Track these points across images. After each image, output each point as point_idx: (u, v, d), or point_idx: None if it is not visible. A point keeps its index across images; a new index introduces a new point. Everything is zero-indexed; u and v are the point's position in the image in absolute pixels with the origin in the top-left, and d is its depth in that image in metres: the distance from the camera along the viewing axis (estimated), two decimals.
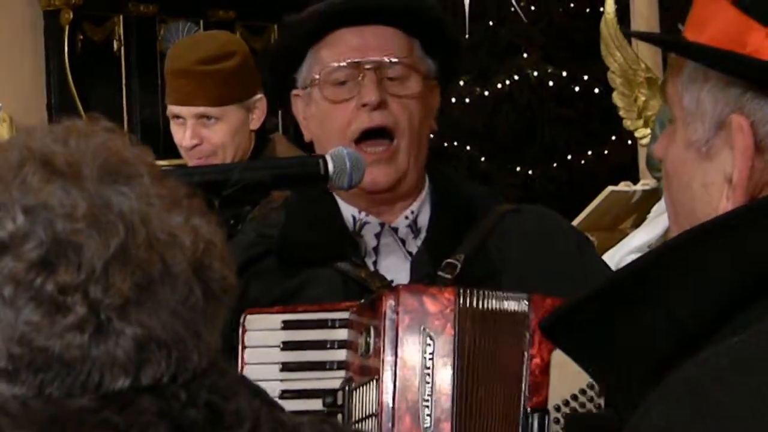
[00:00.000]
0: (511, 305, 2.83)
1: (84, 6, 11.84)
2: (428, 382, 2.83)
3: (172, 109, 4.45)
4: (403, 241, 3.13)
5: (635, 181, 8.89)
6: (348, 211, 3.16)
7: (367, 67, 3.04)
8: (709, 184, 1.69)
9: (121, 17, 12.17)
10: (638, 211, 7.56)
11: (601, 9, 8.33)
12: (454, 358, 2.84)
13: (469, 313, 2.84)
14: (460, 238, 3.06)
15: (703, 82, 1.70)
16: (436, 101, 3.16)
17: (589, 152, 10.61)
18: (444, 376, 2.83)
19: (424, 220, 3.13)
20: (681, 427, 1.53)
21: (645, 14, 8.67)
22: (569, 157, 10.69)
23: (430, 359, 2.83)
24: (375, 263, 3.11)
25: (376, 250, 3.13)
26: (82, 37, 11.84)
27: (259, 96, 4.46)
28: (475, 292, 2.86)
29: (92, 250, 1.64)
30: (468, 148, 10.89)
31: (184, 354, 1.68)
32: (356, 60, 3.05)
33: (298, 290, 3.06)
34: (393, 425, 2.81)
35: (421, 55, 3.11)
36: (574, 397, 2.75)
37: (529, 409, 2.77)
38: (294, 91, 3.18)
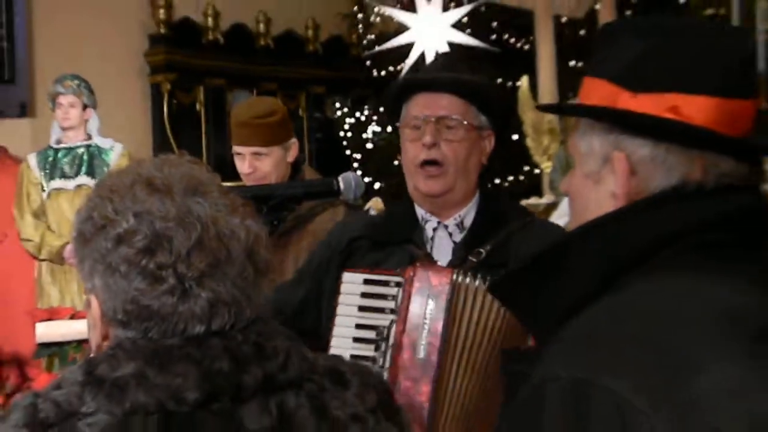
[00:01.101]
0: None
1: (177, 80, 11.85)
2: (425, 329, 2.88)
3: (236, 148, 4.45)
4: (451, 235, 3.12)
5: (540, 196, 8.90)
6: (419, 212, 3.17)
7: (429, 120, 3.06)
8: (601, 200, 1.69)
9: (202, 88, 12.15)
10: (543, 216, 7.55)
11: (518, 84, 8.33)
12: (445, 315, 2.87)
13: (462, 287, 2.87)
14: (491, 236, 3.06)
15: (592, 132, 1.70)
16: (489, 144, 3.15)
17: (510, 178, 10.58)
18: (437, 327, 2.87)
19: (468, 222, 3.12)
20: (570, 347, 1.53)
21: (548, 87, 8.64)
22: (497, 181, 10.67)
23: (429, 314, 2.89)
24: (431, 247, 3.12)
25: (432, 239, 3.13)
26: (176, 101, 11.84)
27: (293, 140, 4.48)
28: (468, 274, 2.90)
29: (179, 241, 1.66)
30: None
31: (240, 310, 1.70)
32: (426, 114, 3.07)
33: (380, 261, 3.09)
34: (399, 353, 2.88)
35: (476, 113, 3.09)
36: None
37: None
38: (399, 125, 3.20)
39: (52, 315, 7.09)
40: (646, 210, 1.64)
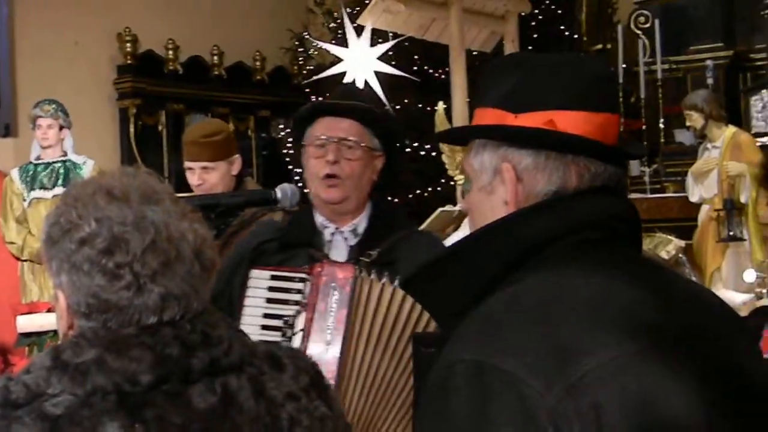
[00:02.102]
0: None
1: (142, 105, 11.86)
2: (331, 317, 2.89)
3: (187, 164, 4.50)
4: (346, 239, 3.16)
5: (455, 204, 8.94)
6: (318, 219, 3.19)
7: (333, 140, 3.10)
8: (495, 208, 1.69)
9: (164, 111, 12.14)
10: (457, 221, 7.59)
11: (437, 108, 8.36)
12: (349, 305, 2.89)
13: (363, 281, 2.90)
14: (381, 241, 3.09)
15: (484, 149, 1.71)
16: (380, 163, 3.19)
17: (429, 189, 10.63)
18: (342, 315, 2.89)
19: (361, 229, 3.16)
20: (472, 333, 1.52)
21: (461, 111, 8.67)
22: (418, 191, 10.71)
23: (335, 304, 2.90)
24: (329, 250, 3.14)
25: (330, 243, 3.16)
26: (141, 123, 11.84)
27: (237, 156, 4.51)
28: (368, 270, 2.93)
29: (135, 243, 1.64)
30: None
31: (189, 303, 1.68)
32: (329, 135, 3.11)
33: (285, 261, 3.10)
34: (308, 339, 2.89)
35: (371, 136, 3.15)
36: None
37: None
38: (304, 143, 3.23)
39: (32, 309, 7.07)
40: (532, 213, 1.65)
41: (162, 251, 1.65)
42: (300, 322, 2.92)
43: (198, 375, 1.65)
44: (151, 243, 1.65)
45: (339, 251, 3.14)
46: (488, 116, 1.71)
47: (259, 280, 3.00)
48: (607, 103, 1.70)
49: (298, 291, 2.95)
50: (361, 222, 3.16)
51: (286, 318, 2.94)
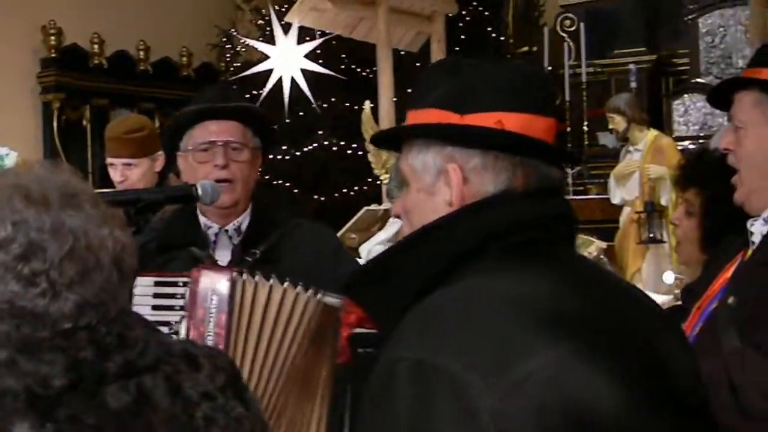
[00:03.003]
0: (335, 302, 2.85)
1: (66, 99, 11.78)
2: (211, 322, 2.85)
3: (109, 160, 4.47)
4: (231, 238, 3.14)
5: (380, 203, 8.95)
6: (202, 219, 3.18)
7: (219, 144, 3.07)
8: (437, 209, 1.68)
9: (88, 106, 12.04)
10: (381, 220, 7.59)
11: (363, 107, 8.36)
12: (227, 308, 2.85)
13: (241, 283, 2.85)
14: (263, 239, 3.08)
15: (427, 150, 1.69)
16: (260, 162, 3.19)
17: (356, 188, 10.62)
18: (221, 319, 2.85)
19: (244, 227, 3.15)
20: (413, 332, 1.53)
21: (387, 110, 8.69)
22: (344, 190, 10.71)
23: (214, 308, 2.85)
24: (213, 250, 3.13)
25: (215, 242, 3.14)
26: (64, 117, 11.74)
27: (160, 152, 4.47)
28: (246, 273, 2.88)
29: (53, 251, 1.61)
30: (287, 184, 10.83)
31: (106, 309, 1.66)
32: (213, 139, 3.08)
33: (167, 262, 3.08)
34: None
35: (251, 136, 3.13)
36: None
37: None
38: (178, 153, 3.19)
39: None
40: (475, 212, 1.64)
41: (80, 259, 1.62)
42: (183, 328, 2.88)
43: (113, 377, 1.63)
44: (69, 251, 1.61)
45: (224, 251, 3.13)
46: (431, 117, 1.69)
47: (144, 287, 2.94)
48: (549, 107, 1.71)
49: (183, 296, 2.91)
50: (244, 220, 3.15)
51: (172, 324, 2.89)
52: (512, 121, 1.65)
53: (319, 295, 2.83)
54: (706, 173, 3.15)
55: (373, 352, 1.56)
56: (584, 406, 1.45)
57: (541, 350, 1.46)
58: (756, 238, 2.50)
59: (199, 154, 3.11)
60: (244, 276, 2.86)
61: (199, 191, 3.11)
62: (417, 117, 1.73)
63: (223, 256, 3.09)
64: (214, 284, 2.87)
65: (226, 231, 3.14)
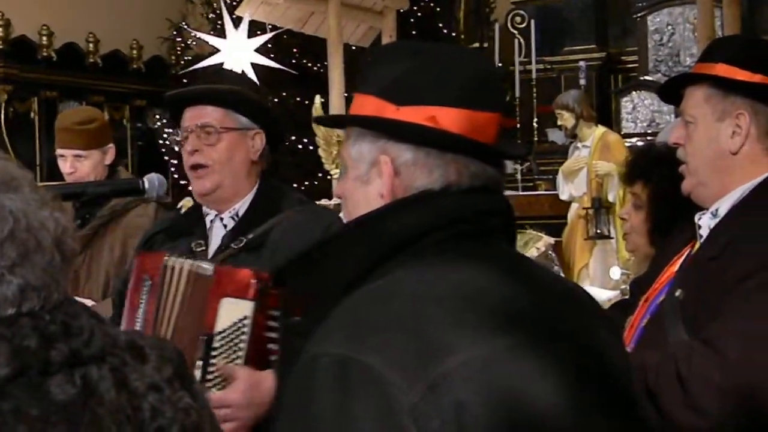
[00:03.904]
0: (202, 270, 2.84)
1: (14, 91, 11.64)
2: (141, 308, 2.88)
3: (59, 151, 4.42)
4: (226, 226, 3.07)
5: (330, 198, 8.96)
6: (204, 207, 3.13)
7: (191, 130, 3.03)
8: (370, 199, 1.68)
9: (36, 99, 11.92)
10: None
11: (314, 102, 8.36)
12: (157, 294, 2.87)
13: (170, 270, 2.86)
14: (257, 226, 3.01)
15: (362, 140, 1.69)
16: (260, 141, 3.09)
17: (306, 183, 10.61)
18: (151, 306, 2.88)
19: (242, 213, 3.08)
20: (339, 327, 1.52)
21: (338, 105, 8.69)
22: (295, 185, 10.67)
23: (145, 293, 2.89)
24: (209, 237, 3.08)
25: (210, 229, 3.09)
26: (12, 110, 11.61)
27: (110, 145, 4.44)
28: (177, 258, 2.89)
29: None
30: None
31: (49, 294, 1.63)
32: (188, 125, 3.05)
33: (169, 252, 3.04)
34: (127, 324, 2.89)
35: (234, 116, 3.05)
36: (228, 328, 2.76)
37: (204, 335, 2.78)
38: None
39: None
40: (407, 206, 1.64)
41: (21, 241, 1.59)
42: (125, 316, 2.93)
43: (58, 367, 1.61)
44: (10, 233, 1.58)
45: (216, 239, 3.08)
46: (369, 104, 1.69)
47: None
48: (490, 102, 1.69)
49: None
50: (242, 206, 3.08)
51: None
52: (448, 117, 1.65)
53: (190, 263, 2.86)
54: (651, 166, 3.19)
55: (303, 342, 1.56)
56: (514, 403, 1.45)
57: (466, 347, 1.46)
58: (704, 232, 2.52)
59: (184, 142, 3.08)
60: (177, 262, 2.86)
61: (146, 184, 3.09)
62: (358, 102, 1.73)
63: (215, 244, 3.06)
64: (147, 271, 2.89)
65: (221, 218, 3.08)
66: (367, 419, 1.42)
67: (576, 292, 1.76)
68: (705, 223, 2.53)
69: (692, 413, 2.24)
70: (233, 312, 2.75)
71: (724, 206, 2.51)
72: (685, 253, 2.59)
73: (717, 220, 2.50)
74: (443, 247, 1.62)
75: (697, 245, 2.54)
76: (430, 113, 1.64)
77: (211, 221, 3.10)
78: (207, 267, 2.83)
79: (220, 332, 2.75)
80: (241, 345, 2.75)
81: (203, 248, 3.04)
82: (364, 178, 1.70)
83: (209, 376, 2.74)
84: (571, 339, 1.60)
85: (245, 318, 2.74)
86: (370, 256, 1.63)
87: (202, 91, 3.10)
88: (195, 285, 2.84)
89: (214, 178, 3.03)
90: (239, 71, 8.62)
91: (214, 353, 2.76)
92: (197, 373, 2.71)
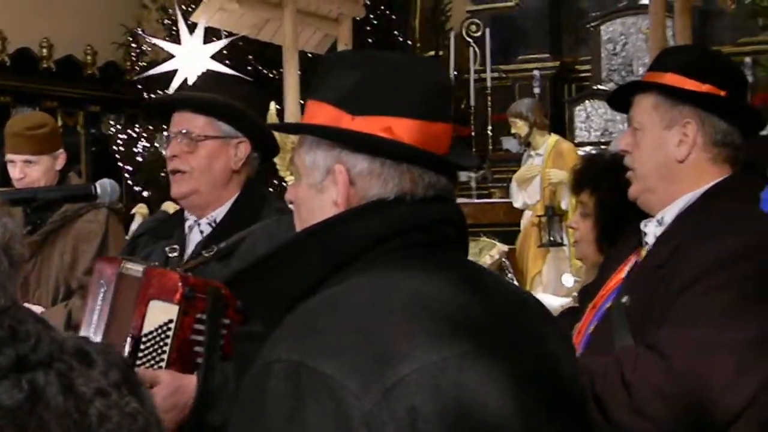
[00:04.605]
0: (133, 272, 2.85)
1: None
2: (95, 314, 2.86)
3: (9, 156, 4.39)
4: (203, 232, 3.09)
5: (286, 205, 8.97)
6: (185, 212, 3.15)
7: (172, 135, 3.05)
8: (324, 207, 1.68)
9: None
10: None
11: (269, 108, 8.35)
12: (109, 298, 2.86)
13: (126, 277, 2.86)
14: (231, 234, 3.02)
15: (317, 148, 1.69)
16: (244, 150, 3.09)
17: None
18: (104, 311, 2.86)
19: (219, 220, 3.09)
20: (293, 333, 1.52)
21: (293, 112, 8.67)
22: None
23: (100, 301, 2.87)
24: (186, 242, 3.10)
25: (188, 234, 3.11)
26: None
27: (61, 150, 4.41)
28: (126, 263, 2.88)
29: None
30: None
31: None
32: (172, 130, 3.07)
33: (148, 256, 3.09)
34: (77, 329, 2.91)
35: (216, 125, 3.06)
36: (154, 331, 2.77)
37: (131, 337, 2.78)
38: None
39: None
40: (361, 215, 1.65)
41: None
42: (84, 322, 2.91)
43: (5, 372, 1.60)
44: None
45: (192, 245, 3.09)
46: (324, 113, 1.69)
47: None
48: (443, 113, 1.70)
49: None
50: (220, 213, 3.09)
51: None
52: (403, 128, 1.65)
53: (128, 266, 2.86)
54: (598, 175, 3.21)
55: (256, 348, 1.56)
56: (466, 410, 1.47)
57: (420, 353, 1.47)
58: (650, 239, 2.55)
59: (168, 146, 3.09)
60: (134, 268, 2.85)
61: (98, 190, 3.08)
62: (312, 109, 1.73)
63: (190, 250, 3.07)
64: (105, 277, 2.88)
65: (199, 224, 3.09)
66: (320, 426, 1.42)
67: (527, 301, 1.77)
68: (651, 230, 2.55)
69: (638, 418, 2.26)
70: (159, 315, 2.76)
71: (669, 214, 2.53)
72: (632, 260, 2.62)
73: (663, 228, 2.53)
74: (397, 256, 1.63)
75: (644, 252, 2.57)
76: (386, 124, 1.65)
77: (190, 227, 3.11)
78: (138, 269, 2.84)
79: (146, 334, 2.77)
80: (165, 348, 2.77)
81: (176, 254, 3.05)
82: (319, 186, 1.70)
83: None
84: (522, 346, 1.61)
85: (170, 321, 2.75)
86: (325, 264, 1.63)
87: (185, 98, 3.15)
88: (125, 286, 2.85)
89: (191, 184, 3.05)
90: (194, 78, 8.61)
91: (140, 355, 2.77)
92: None
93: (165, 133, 3.13)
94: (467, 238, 1.77)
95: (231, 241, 2.99)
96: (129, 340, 2.77)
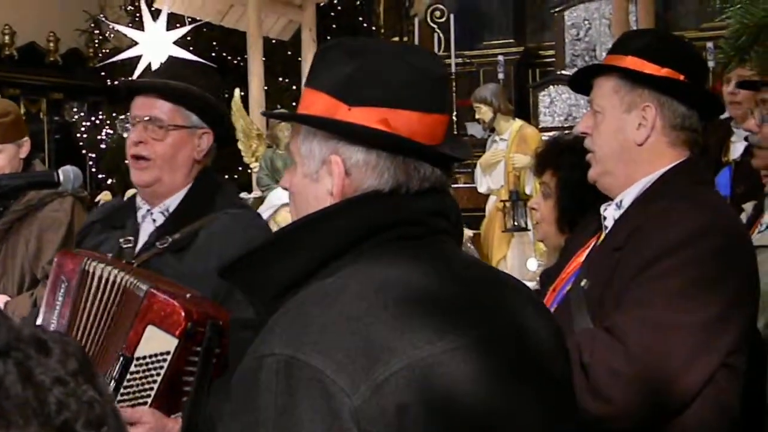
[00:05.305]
0: (137, 288, 2.73)
1: None
2: (56, 311, 2.83)
3: None
4: (155, 221, 3.03)
5: (250, 192, 8.93)
6: (137, 200, 3.10)
7: (138, 120, 2.99)
8: (319, 197, 1.68)
9: None
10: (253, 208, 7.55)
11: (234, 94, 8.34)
12: (74, 296, 2.81)
13: (89, 274, 2.80)
14: (185, 225, 2.97)
15: (313, 137, 1.68)
16: (207, 141, 3.04)
17: (226, 176, 10.54)
18: (65, 310, 2.82)
19: (172, 209, 3.03)
20: (285, 327, 1.52)
21: (257, 98, 8.67)
22: None
23: (62, 295, 2.83)
24: (138, 231, 3.04)
25: (141, 224, 3.05)
26: None
27: (26, 138, 4.36)
28: (96, 263, 2.82)
29: None
30: None
31: None
32: (137, 114, 3.00)
33: (101, 243, 3.04)
34: (43, 324, 2.79)
35: (185, 114, 3.01)
36: (149, 357, 2.68)
37: (123, 353, 2.69)
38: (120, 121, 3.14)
39: None
40: (356, 206, 1.64)
41: None
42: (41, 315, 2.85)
43: None
44: None
45: (145, 234, 3.03)
46: (321, 102, 1.68)
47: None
48: (439, 104, 1.69)
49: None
50: (173, 203, 3.04)
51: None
52: (399, 119, 1.65)
53: (132, 281, 2.75)
54: (559, 155, 3.22)
55: (251, 338, 1.55)
56: (456, 404, 1.47)
57: (410, 349, 1.47)
58: (609, 223, 2.57)
59: (130, 129, 3.03)
60: (97, 266, 2.80)
61: (60, 177, 3.04)
62: (309, 97, 1.72)
63: (143, 240, 3.01)
64: (65, 273, 2.83)
65: (152, 213, 3.04)
66: (311, 421, 1.42)
67: (517, 287, 1.77)
68: (610, 214, 2.57)
69: (596, 401, 2.27)
70: (157, 343, 2.66)
71: (628, 197, 2.55)
72: (591, 244, 2.63)
73: (621, 211, 2.54)
74: (391, 248, 1.63)
75: (603, 236, 2.58)
76: (383, 115, 1.64)
77: (143, 216, 3.06)
78: (142, 287, 2.72)
79: (139, 358, 2.68)
80: (157, 378, 2.68)
81: (131, 245, 3.00)
82: (314, 176, 1.69)
83: (119, 397, 2.66)
84: (512, 340, 1.62)
85: (167, 353, 2.66)
86: (319, 255, 1.63)
87: (156, 84, 3.05)
88: (125, 300, 2.75)
89: (154, 173, 2.99)
90: (157, 64, 8.57)
91: (129, 376, 2.69)
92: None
93: (126, 117, 3.06)
94: (462, 230, 1.77)
95: (185, 232, 2.95)
96: (120, 358, 2.68)
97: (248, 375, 1.50)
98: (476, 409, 1.49)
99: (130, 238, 3.02)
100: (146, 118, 2.99)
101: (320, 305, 1.53)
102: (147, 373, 2.68)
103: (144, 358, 2.68)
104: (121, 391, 2.68)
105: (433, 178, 1.68)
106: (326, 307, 1.52)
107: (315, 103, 1.70)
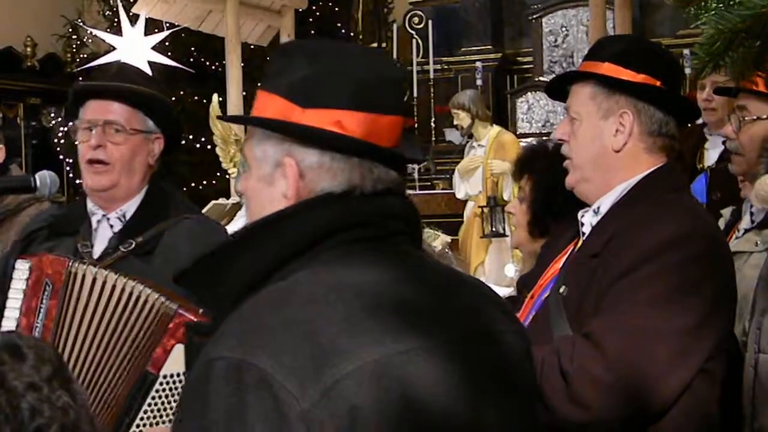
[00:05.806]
0: (166, 306, 2.70)
1: None
2: (41, 313, 2.79)
3: None
4: (112, 226, 3.00)
5: (228, 197, 8.91)
6: (89, 205, 3.05)
7: (95, 124, 2.97)
8: (273, 200, 1.67)
9: None
10: (230, 214, 7.54)
11: (212, 100, 8.31)
12: (58, 299, 2.78)
13: (75, 276, 2.78)
14: (145, 230, 2.96)
15: (267, 140, 1.67)
16: (159, 146, 3.05)
17: (204, 182, 10.56)
18: (52, 312, 2.79)
19: (129, 214, 3.02)
20: (236, 330, 1.51)
21: (236, 104, 8.66)
22: (192, 184, 10.61)
23: (45, 299, 2.79)
24: (93, 237, 3.01)
25: (96, 229, 3.02)
26: None
27: (1, 145, 4.33)
28: (81, 265, 2.80)
29: None
30: None
31: None
32: (92, 118, 2.98)
33: (52, 249, 2.96)
34: (24, 328, 2.78)
35: (142, 118, 3.01)
36: (176, 375, 2.64)
37: (148, 370, 2.66)
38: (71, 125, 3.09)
39: None
40: (310, 208, 1.63)
41: None
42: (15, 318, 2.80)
43: None
44: None
45: (102, 239, 3.00)
46: (274, 105, 1.67)
47: (21, 271, 2.85)
48: (393, 106, 1.69)
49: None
50: (130, 208, 3.02)
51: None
52: (353, 121, 1.64)
53: (162, 299, 2.71)
54: (536, 161, 3.23)
55: (205, 343, 1.54)
56: (410, 406, 1.47)
57: (361, 351, 1.46)
58: (586, 229, 2.57)
59: (81, 133, 3.01)
60: (83, 267, 2.78)
61: (37, 182, 3.02)
62: (263, 100, 1.71)
63: (102, 246, 2.98)
64: (48, 275, 2.79)
65: (108, 218, 3.02)
66: (260, 424, 1.41)
67: (480, 289, 1.77)
68: (587, 220, 2.57)
69: (575, 407, 2.27)
70: (183, 361, 2.61)
71: (605, 204, 2.55)
72: (569, 251, 2.63)
73: (599, 217, 2.54)
74: (344, 250, 1.62)
75: (580, 242, 2.58)
76: (336, 117, 1.64)
77: (98, 221, 3.03)
78: (171, 305, 2.69)
79: (165, 376, 2.66)
80: (178, 396, 2.64)
81: (89, 249, 2.97)
82: (269, 179, 1.69)
83: (141, 415, 2.64)
84: (476, 343, 1.61)
85: None
86: (273, 258, 1.62)
87: (120, 89, 3.03)
88: (151, 316, 2.71)
89: (112, 177, 2.98)
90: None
91: (153, 394, 2.66)
92: (130, 407, 2.64)
93: (79, 120, 3.03)
94: (420, 231, 1.76)
95: (149, 235, 2.94)
96: (147, 374, 2.66)
97: (199, 378, 1.49)
98: (436, 411, 1.49)
99: (87, 243, 2.99)
100: (108, 122, 2.98)
101: (270, 308, 1.53)
102: (171, 392, 2.67)
103: (171, 376, 2.66)
104: (144, 408, 2.66)
105: (387, 179, 1.67)
106: (276, 310, 1.52)
107: (269, 106, 1.69)
